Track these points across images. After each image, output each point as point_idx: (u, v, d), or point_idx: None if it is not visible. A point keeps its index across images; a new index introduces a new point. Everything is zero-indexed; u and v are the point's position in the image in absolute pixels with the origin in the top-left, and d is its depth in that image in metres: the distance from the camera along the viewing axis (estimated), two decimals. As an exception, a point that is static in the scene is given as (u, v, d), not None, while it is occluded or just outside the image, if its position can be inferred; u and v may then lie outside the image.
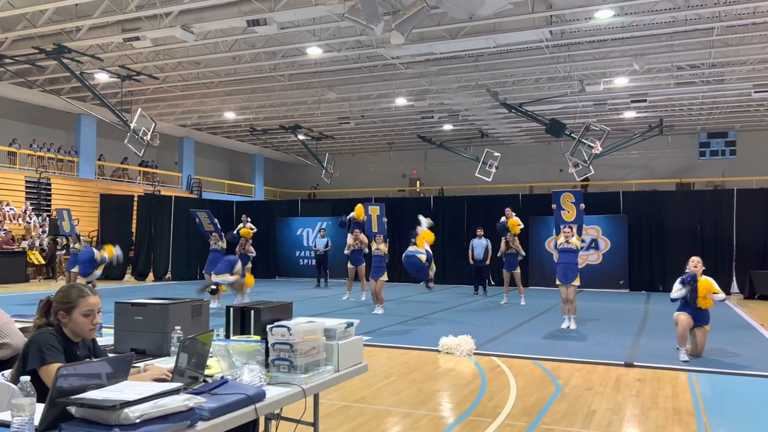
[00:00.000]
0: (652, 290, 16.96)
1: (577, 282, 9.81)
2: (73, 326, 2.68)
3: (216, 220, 13.91)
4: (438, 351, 7.74)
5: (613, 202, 18.20)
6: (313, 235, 20.37)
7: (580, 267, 17.67)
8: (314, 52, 17.83)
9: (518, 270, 13.49)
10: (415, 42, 16.26)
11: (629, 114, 24.58)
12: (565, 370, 6.83)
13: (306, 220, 21.57)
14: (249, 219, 16.96)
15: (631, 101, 22.07)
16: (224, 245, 13.20)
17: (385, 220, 12.87)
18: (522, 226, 13.80)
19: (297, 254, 21.26)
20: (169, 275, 19.98)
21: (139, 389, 2.03)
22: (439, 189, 31.07)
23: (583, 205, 10.39)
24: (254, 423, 3.27)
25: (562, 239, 9.90)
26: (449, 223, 19.69)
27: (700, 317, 7.42)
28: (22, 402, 1.84)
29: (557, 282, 9.94)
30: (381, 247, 11.87)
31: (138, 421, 1.87)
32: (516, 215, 13.90)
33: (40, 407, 1.95)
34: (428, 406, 5.47)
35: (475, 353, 7.61)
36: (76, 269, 13.20)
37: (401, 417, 5.06)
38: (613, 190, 20.21)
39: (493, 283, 16.69)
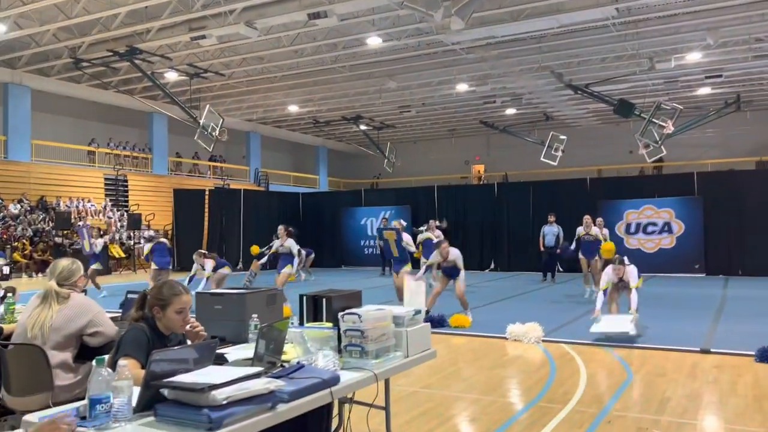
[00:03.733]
0: (730, 274, 16.25)
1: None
2: (166, 322, 2.86)
3: None
4: (505, 338, 7.72)
5: (687, 183, 17.50)
6: (376, 225, 20.57)
7: (652, 251, 16.93)
8: (374, 42, 17.92)
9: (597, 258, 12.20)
10: (475, 26, 16.08)
11: (703, 90, 23.47)
12: (637, 357, 6.68)
13: (370, 209, 21.78)
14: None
15: (705, 77, 21.07)
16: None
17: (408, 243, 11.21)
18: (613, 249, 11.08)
19: (362, 243, 21.52)
20: (240, 266, 20.62)
21: (224, 373, 2.17)
22: (502, 175, 30.70)
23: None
24: (329, 406, 3.40)
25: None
26: (514, 210, 19.46)
27: None
28: (121, 385, 2.00)
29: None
30: (450, 260, 9.56)
31: (225, 402, 2.01)
32: (602, 227, 12.27)
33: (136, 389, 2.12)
34: (497, 392, 5.50)
35: (543, 340, 7.54)
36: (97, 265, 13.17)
37: (470, 403, 5.11)
38: (687, 171, 19.42)
39: (561, 269, 16.37)
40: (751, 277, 15.82)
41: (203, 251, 11.39)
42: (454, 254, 9.07)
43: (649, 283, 14.59)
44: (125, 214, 23.27)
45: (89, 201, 22.78)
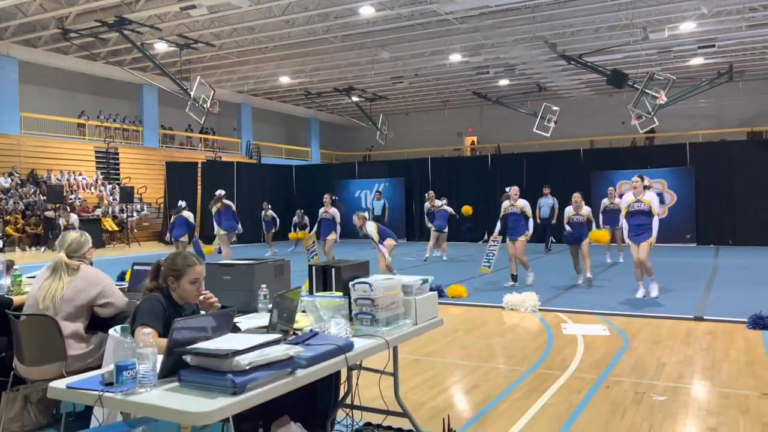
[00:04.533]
0: (721, 244, 16.47)
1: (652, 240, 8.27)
2: (181, 292, 2.90)
3: None
4: (502, 308, 7.83)
5: (679, 154, 17.63)
6: (370, 198, 20.61)
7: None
8: (367, 11, 17.71)
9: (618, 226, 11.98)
10: (469, -4, 15.93)
11: (696, 61, 23.45)
12: (632, 325, 6.81)
13: (363, 182, 21.79)
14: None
15: (699, 47, 21.02)
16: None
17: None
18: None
19: (356, 215, 21.54)
20: (235, 238, 20.59)
21: (244, 340, 2.22)
22: (495, 146, 30.70)
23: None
24: (337, 373, 3.48)
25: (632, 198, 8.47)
26: (508, 181, 19.47)
27: None
28: (146, 351, 2.05)
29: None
30: (517, 204, 9.69)
31: (248, 367, 2.06)
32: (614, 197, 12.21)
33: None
34: (496, 360, 5.61)
35: (540, 309, 7.66)
36: None
37: (471, 370, 5.21)
38: (680, 142, 19.53)
39: (554, 240, 16.54)
40: (741, 246, 16.04)
41: None
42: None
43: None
44: (117, 187, 23.14)
45: (80, 174, 22.62)
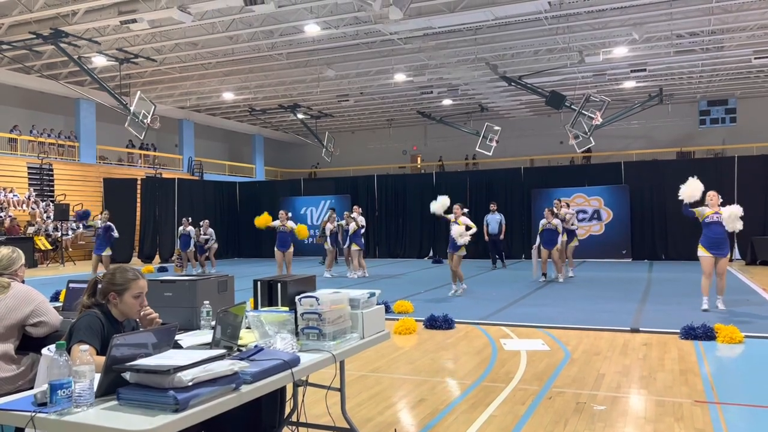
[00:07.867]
0: (654, 259, 17.13)
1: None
2: (123, 307, 2.80)
3: None
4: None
5: (614, 172, 18.30)
6: (322, 216, 20.52)
7: (582, 238, 17.87)
8: (312, 29, 17.75)
9: (556, 248, 12.28)
10: (413, 17, 16.21)
11: (629, 84, 24.54)
12: (572, 337, 6.99)
13: (309, 199, 21.67)
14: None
15: (631, 71, 22.02)
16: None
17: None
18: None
19: (301, 233, 21.37)
20: (175, 257, 20.10)
21: (187, 356, 2.16)
22: (439, 164, 31.16)
23: None
24: (282, 390, 3.43)
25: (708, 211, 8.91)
26: (452, 199, 19.73)
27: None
28: (83, 369, 1.97)
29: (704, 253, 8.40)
30: (553, 222, 12.27)
31: (191, 383, 2.01)
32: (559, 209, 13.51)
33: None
34: (442, 374, 5.64)
35: (484, 323, 7.76)
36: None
37: (417, 385, 5.22)
38: (615, 161, 20.29)
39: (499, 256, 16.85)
40: (673, 261, 16.74)
41: None
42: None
43: (581, 268, 15.23)
44: (51, 204, 22.23)
45: (11, 191, 21.63)
